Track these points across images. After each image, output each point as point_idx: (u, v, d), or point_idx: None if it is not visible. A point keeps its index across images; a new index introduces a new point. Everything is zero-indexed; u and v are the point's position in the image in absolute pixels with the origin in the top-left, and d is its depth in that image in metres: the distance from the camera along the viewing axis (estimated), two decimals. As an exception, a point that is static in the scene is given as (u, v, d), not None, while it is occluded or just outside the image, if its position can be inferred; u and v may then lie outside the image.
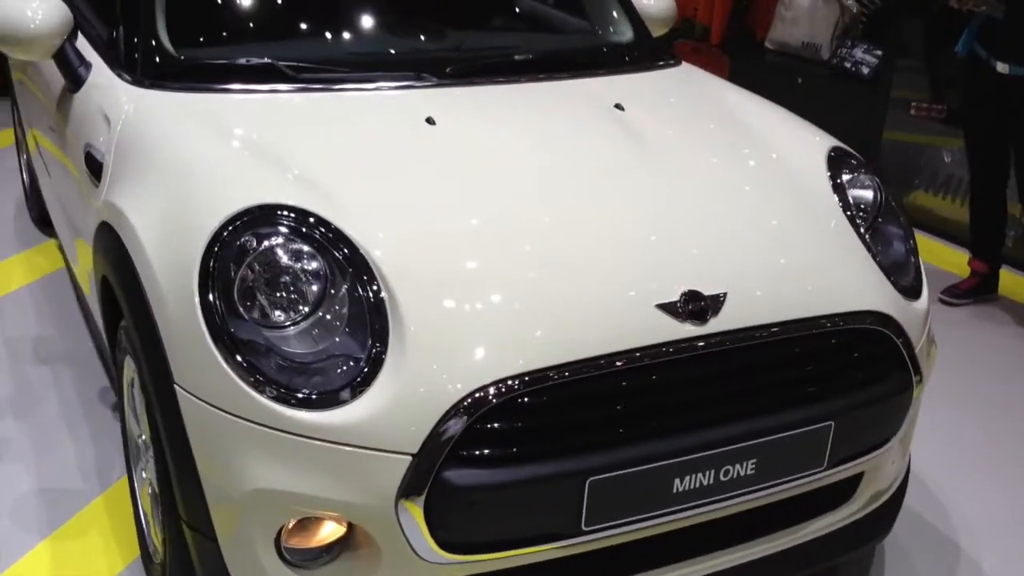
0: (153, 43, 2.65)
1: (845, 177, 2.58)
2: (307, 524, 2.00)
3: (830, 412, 2.18)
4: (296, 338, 1.97)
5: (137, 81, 2.59)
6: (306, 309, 1.98)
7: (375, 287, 1.99)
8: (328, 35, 2.90)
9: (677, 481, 2.05)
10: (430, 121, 2.45)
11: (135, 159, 2.39)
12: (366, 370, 1.93)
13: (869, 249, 2.43)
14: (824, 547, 2.40)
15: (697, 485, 2.07)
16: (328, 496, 1.91)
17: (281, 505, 1.94)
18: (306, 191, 2.14)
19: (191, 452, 2.02)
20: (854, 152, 2.70)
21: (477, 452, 1.91)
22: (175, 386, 2.02)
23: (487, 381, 1.91)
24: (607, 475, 1.97)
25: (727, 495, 2.13)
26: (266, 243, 2.02)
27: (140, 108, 2.52)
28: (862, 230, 2.48)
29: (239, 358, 1.93)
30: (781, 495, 2.23)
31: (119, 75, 2.66)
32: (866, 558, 2.79)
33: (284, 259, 2.01)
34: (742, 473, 2.12)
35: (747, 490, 2.15)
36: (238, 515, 1.98)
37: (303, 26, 2.90)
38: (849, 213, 2.48)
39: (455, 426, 1.88)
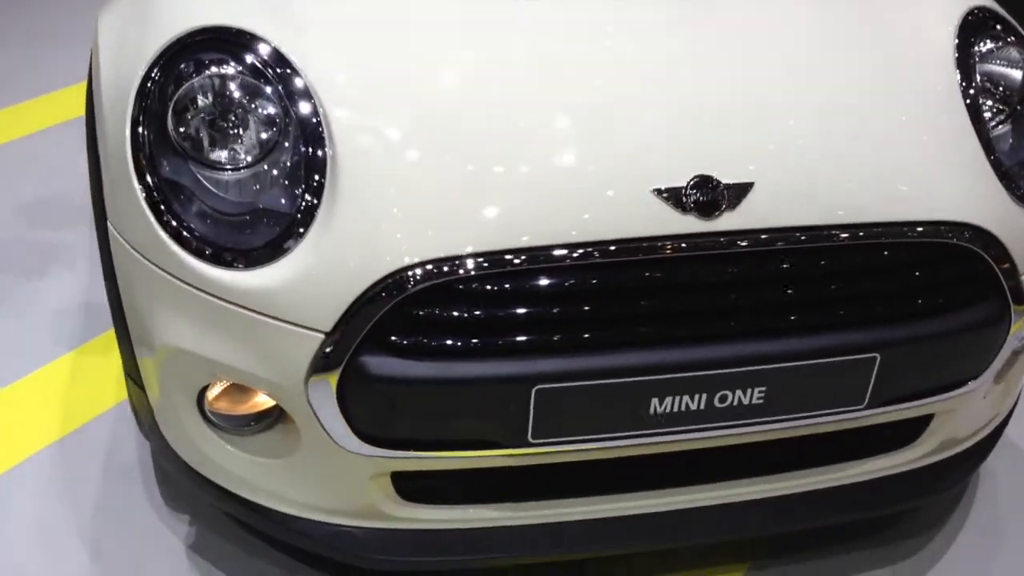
0: None
1: (983, 47, 2.01)
2: (236, 390, 1.80)
3: (875, 342, 1.75)
4: (230, 185, 1.72)
5: None
6: (249, 158, 1.71)
7: (322, 144, 1.70)
8: None
9: (655, 401, 1.71)
10: None
11: None
12: (289, 233, 1.66)
13: (987, 145, 1.89)
14: (874, 494, 2.00)
15: (682, 409, 1.72)
16: (237, 365, 1.70)
17: (195, 366, 1.75)
18: (280, 22, 1.82)
19: (120, 297, 1.85)
20: (1003, 15, 2.10)
21: (404, 340, 1.63)
22: (108, 224, 1.83)
23: (418, 260, 1.60)
24: (559, 385, 1.65)
25: (726, 424, 1.77)
26: (214, 70, 1.75)
27: None
28: (988, 116, 1.94)
29: (158, 199, 1.71)
30: (808, 430, 1.85)
31: None
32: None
33: (234, 94, 1.74)
34: (745, 402, 1.74)
35: (753, 421, 1.78)
36: (157, 369, 1.81)
37: None
38: (972, 95, 1.94)
39: (374, 307, 1.60)
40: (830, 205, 1.73)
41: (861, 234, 1.72)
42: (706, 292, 1.70)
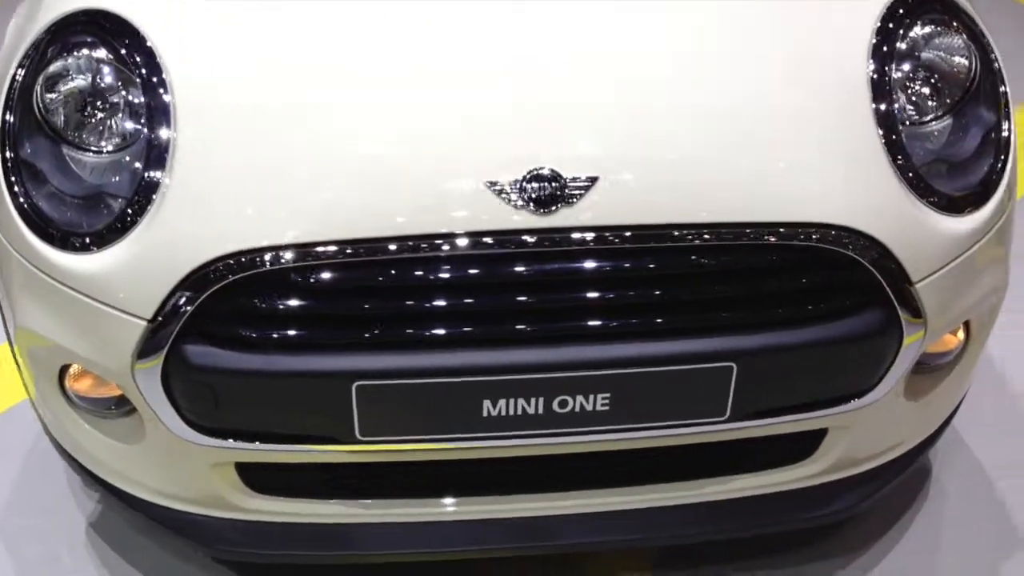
0: None
1: (915, 33, 1.83)
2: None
3: (732, 351, 1.64)
4: (88, 167, 1.72)
5: None
6: (111, 145, 1.71)
7: (169, 131, 1.68)
8: None
9: (487, 404, 1.64)
10: None
11: None
12: (124, 219, 1.65)
13: (895, 141, 1.73)
14: (766, 509, 1.88)
15: (518, 412, 1.65)
16: (74, 349, 1.71)
17: (45, 347, 1.77)
18: (152, 10, 1.79)
19: None
20: (956, 1, 1.90)
21: (224, 330, 1.61)
22: None
23: (235, 249, 1.58)
24: (380, 383, 1.61)
25: (569, 431, 1.68)
26: (84, 52, 1.75)
27: None
28: (904, 109, 1.78)
29: (13, 178, 1.72)
30: (675, 441, 1.75)
31: None
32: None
33: (102, 78, 1.74)
34: (588, 408, 1.65)
35: (601, 429, 1.69)
36: (19, 347, 1.84)
37: None
38: (889, 85, 1.77)
39: (193, 296, 1.58)
40: (683, 203, 1.62)
41: (711, 235, 1.61)
42: (538, 291, 1.61)
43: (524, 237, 1.58)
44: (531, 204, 1.59)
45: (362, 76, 1.73)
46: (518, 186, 1.59)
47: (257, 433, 1.70)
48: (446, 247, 1.58)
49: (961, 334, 1.91)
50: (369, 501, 1.82)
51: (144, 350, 1.62)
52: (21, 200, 1.71)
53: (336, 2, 1.83)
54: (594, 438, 1.70)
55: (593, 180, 1.60)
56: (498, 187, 1.59)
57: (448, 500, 1.83)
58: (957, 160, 1.80)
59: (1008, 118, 1.85)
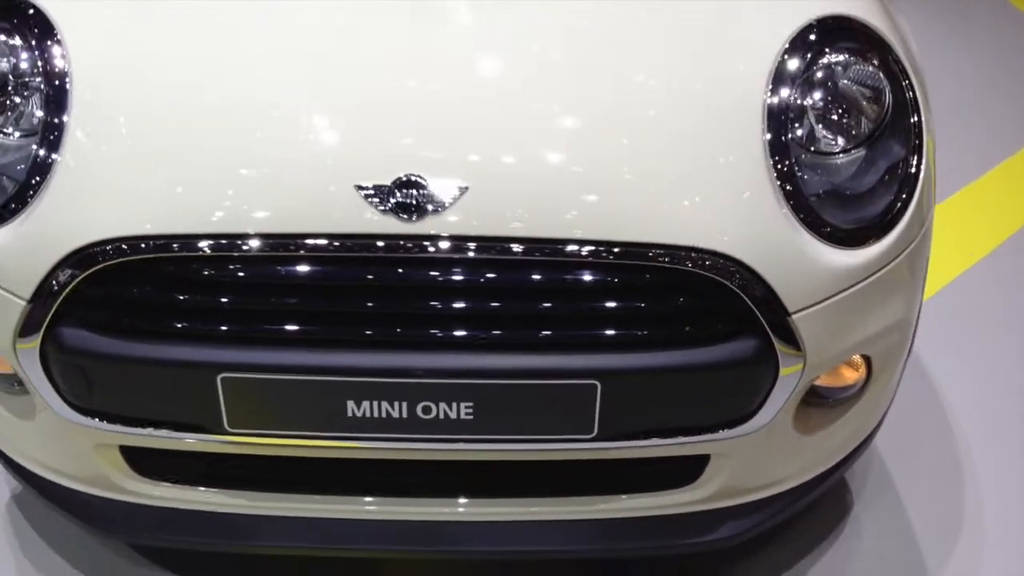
0: None
1: (824, 61, 1.80)
2: (-3, 350, 1.88)
3: (595, 369, 1.63)
4: None
5: None
6: (17, 133, 1.76)
7: (63, 117, 1.73)
8: None
9: (351, 404, 1.66)
10: None
11: None
12: (16, 200, 1.71)
13: (785, 170, 1.71)
14: (651, 532, 1.86)
15: (382, 415, 1.66)
16: None
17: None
18: None
19: None
20: (872, 27, 1.87)
21: (97, 315, 1.66)
22: None
23: (107, 236, 1.62)
24: (244, 376, 1.64)
25: (432, 437, 1.69)
26: None
27: None
28: (801, 137, 1.75)
29: None
30: (544, 455, 1.75)
31: None
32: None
33: (4, 64, 1.79)
34: (452, 416, 1.66)
35: (466, 437, 1.69)
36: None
37: None
38: (785, 114, 1.74)
39: (65, 279, 1.63)
40: (555, 217, 1.62)
41: (581, 251, 1.61)
42: (400, 296, 1.63)
43: (387, 242, 1.60)
44: (398, 210, 1.60)
45: (242, 76, 1.77)
46: (385, 191, 1.61)
47: (132, 418, 1.74)
48: (310, 247, 1.60)
49: (863, 370, 1.88)
50: (251, 492, 1.85)
51: (23, 329, 1.67)
52: None
53: (226, 5, 1.87)
54: (459, 447, 1.71)
55: (463, 190, 1.62)
56: (366, 191, 1.61)
57: (328, 497, 1.85)
58: (856, 193, 1.77)
59: (919, 151, 1.81)
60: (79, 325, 1.66)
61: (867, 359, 1.86)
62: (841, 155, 1.79)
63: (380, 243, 1.60)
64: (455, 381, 1.64)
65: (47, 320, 1.65)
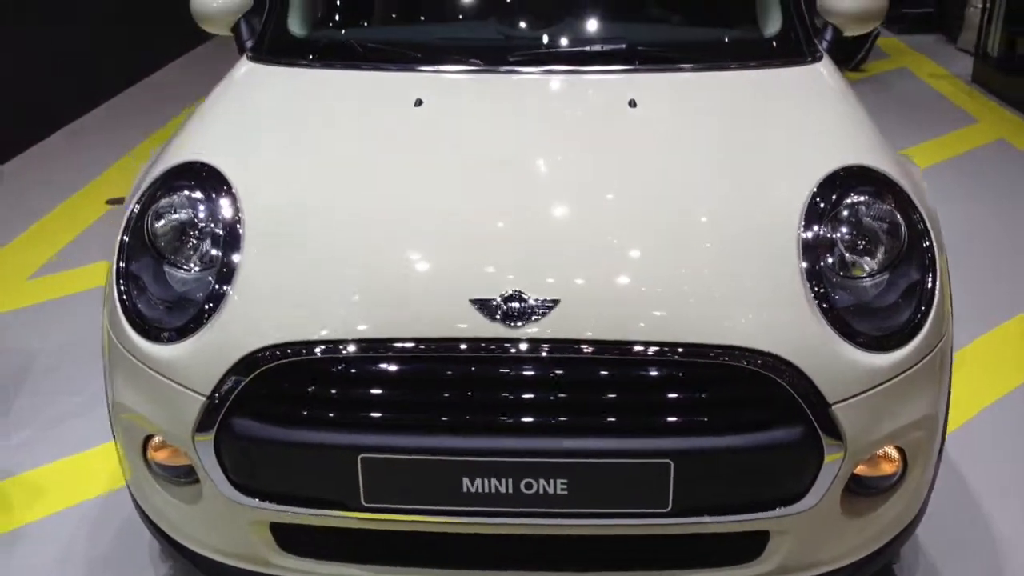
0: (275, 23, 3.03)
1: (849, 201, 2.21)
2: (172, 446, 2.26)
3: (668, 449, 1.98)
4: (179, 280, 2.22)
5: (250, 55, 2.98)
6: (198, 266, 2.21)
7: (239, 251, 2.17)
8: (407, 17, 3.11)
9: (466, 481, 2.01)
10: (417, 102, 2.54)
11: (191, 116, 2.78)
12: (200, 317, 2.13)
13: (820, 288, 2.09)
14: None
15: (491, 491, 2.01)
16: (155, 421, 2.16)
17: (135, 421, 2.23)
18: (235, 160, 2.35)
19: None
20: (887, 174, 2.29)
21: (262, 406, 2.05)
22: (103, 310, 2.38)
23: (273, 343, 2.03)
24: (380, 455, 2.00)
25: (532, 510, 2.03)
26: (185, 194, 2.30)
27: (233, 74, 2.91)
28: (831, 263, 2.14)
29: (123, 287, 2.23)
30: (626, 529, 2.07)
31: (249, 50, 3.06)
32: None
33: (196, 214, 2.27)
34: (549, 491, 2.01)
35: (560, 511, 2.03)
36: (116, 424, 2.30)
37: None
38: (817, 243, 2.14)
39: (238, 378, 2.03)
40: (630, 324, 2.00)
41: (657, 351, 1.98)
42: (508, 389, 2.00)
43: (496, 345, 1.99)
44: (505, 319, 2.00)
45: (379, 214, 2.21)
46: (494, 304, 2.01)
47: (283, 496, 2.10)
48: (433, 348, 2.00)
49: (898, 462, 2.18)
50: (378, 566, 2.18)
51: (201, 422, 2.07)
52: (126, 302, 2.22)
53: (365, 159, 2.38)
54: (555, 521, 2.04)
55: (555, 302, 2.01)
56: (479, 304, 2.01)
57: (443, 572, 2.17)
58: (880, 307, 2.13)
59: (933, 270, 2.18)
60: (247, 417, 2.05)
61: (901, 452, 2.17)
62: (867, 279, 2.16)
63: (490, 346, 1.99)
64: (552, 460, 1.99)
65: (222, 412, 2.05)
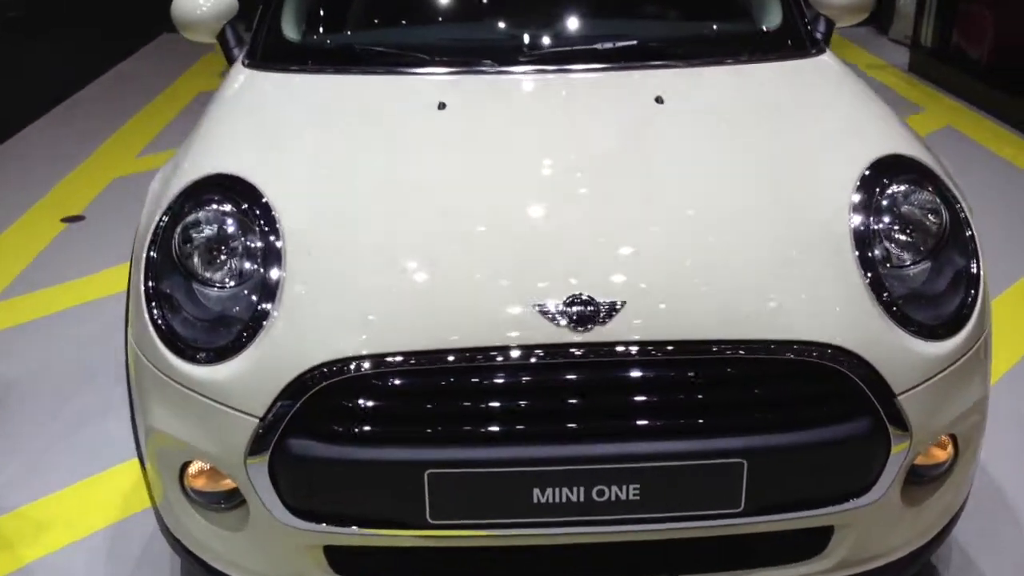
0: (269, 28, 2.94)
1: (892, 191, 2.22)
2: (212, 469, 2.16)
3: (741, 449, 1.95)
4: (213, 299, 2.13)
5: (245, 62, 2.88)
6: (233, 281, 2.13)
7: (280, 268, 2.09)
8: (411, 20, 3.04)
9: (537, 492, 1.96)
10: (440, 106, 2.49)
11: (195, 127, 2.68)
12: (243, 336, 2.04)
13: (875, 278, 2.08)
14: None
15: (563, 500, 1.96)
16: (199, 445, 2.07)
17: (172, 447, 2.13)
18: (267, 170, 2.27)
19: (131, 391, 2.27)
20: (924, 163, 2.31)
21: (320, 425, 1.97)
22: (126, 334, 2.27)
23: (329, 358, 1.95)
24: (448, 470, 1.94)
25: (605, 518, 1.99)
26: (214, 208, 2.20)
27: (231, 84, 2.81)
28: (882, 254, 2.13)
29: (154, 306, 2.13)
30: (694, 531, 2.04)
31: (244, 57, 2.96)
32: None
33: (227, 228, 2.18)
34: (621, 497, 1.96)
35: (631, 517, 1.99)
36: (149, 451, 2.20)
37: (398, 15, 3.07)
38: (867, 234, 2.14)
39: (295, 397, 1.95)
40: (697, 323, 1.97)
41: (722, 349, 1.95)
42: (577, 395, 1.95)
43: (565, 350, 1.94)
44: (571, 323, 1.95)
45: (427, 221, 2.15)
46: (559, 308, 1.96)
47: (343, 517, 2.02)
48: (500, 358, 1.94)
49: (950, 449, 2.19)
50: None
51: (256, 444, 1.98)
52: (159, 322, 2.11)
53: (393, 157, 2.32)
54: (627, 527, 2.00)
55: (622, 304, 1.97)
56: (544, 309, 1.96)
57: None
58: (933, 295, 2.14)
59: (976, 257, 2.20)
60: (303, 436, 1.97)
61: (952, 438, 2.18)
62: (911, 266, 2.17)
63: (558, 351, 1.94)
64: (624, 466, 1.94)
65: (278, 434, 1.97)
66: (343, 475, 1.98)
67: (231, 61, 3.11)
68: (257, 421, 1.98)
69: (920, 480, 2.17)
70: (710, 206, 2.19)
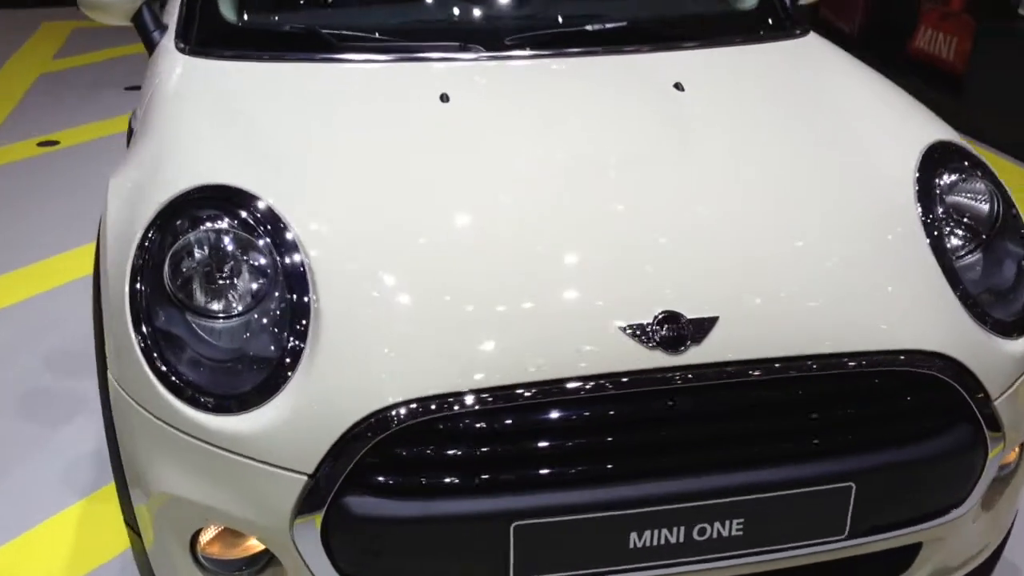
0: (203, 8, 2.56)
1: (946, 180, 2.09)
2: (228, 534, 1.84)
3: (850, 471, 1.78)
4: (221, 333, 1.80)
5: (181, 47, 2.50)
6: (240, 307, 1.81)
7: (306, 291, 1.78)
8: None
9: (634, 536, 1.73)
10: (443, 98, 2.20)
11: (147, 125, 2.30)
12: (275, 378, 1.73)
13: (951, 274, 1.95)
14: None
15: (662, 542, 1.74)
16: (227, 509, 1.75)
17: (187, 512, 1.80)
18: (272, 179, 1.94)
19: (118, 446, 1.92)
20: (969, 149, 2.19)
21: (384, 479, 1.68)
22: (108, 375, 1.91)
23: (394, 400, 1.67)
24: (537, 521, 1.69)
25: (705, 558, 1.78)
26: (209, 226, 1.86)
27: (174, 74, 2.43)
28: (954, 247, 2.00)
29: (152, 348, 1.79)
30: (791, 562, 1.86)
31: (175, 42, 2.58)
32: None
33: (227, 247, 1.84)
34: (724, 534, 1.76)
35: (733, 554, 1.79)
36: (151, 516, 1.86)
37: None
38: (935, 226, 2.00)
39: (354, 448, 1.66)
40: (795, 336, 1.78)
41: (827, 364, 1.77)
42: (677, 425, 1.74)
43: (657, 376, 1.72)
44: (662, 345, 1.73)
45: (486, 230, 1.88)
46: (649, 329, 1.73)
47: None
48: (585, 389, 1.70)
49: (1017, 448, 2.09)
50: None
51: (305, 505, 1.68)
52: (161, 367, 1.77)
53: (413, 160, 2.02)
54: (734, 563, 1.80)
55: (715, 320, 1.76)
56: (631, 330, 1.73)
57: None
58: (1001, 288, 2.02)
59: None
60: (362, 492, 1.68)
61: None
62: (968, 256, 2.04)
63: (653, 377, 1.71)
64: (728, 500, 1.74)
65: (334, 492, 1.67)
66: (411, 534, 1.70)
67: (152, 46, 2.72)
68: (306, 479, 1.68)
69: (995, 483, 2.06)
70: (778, 205, 1.99)
